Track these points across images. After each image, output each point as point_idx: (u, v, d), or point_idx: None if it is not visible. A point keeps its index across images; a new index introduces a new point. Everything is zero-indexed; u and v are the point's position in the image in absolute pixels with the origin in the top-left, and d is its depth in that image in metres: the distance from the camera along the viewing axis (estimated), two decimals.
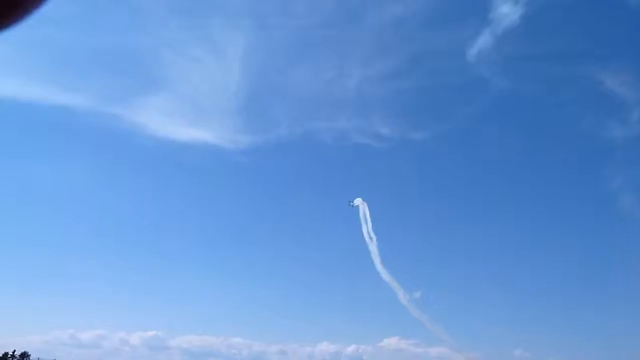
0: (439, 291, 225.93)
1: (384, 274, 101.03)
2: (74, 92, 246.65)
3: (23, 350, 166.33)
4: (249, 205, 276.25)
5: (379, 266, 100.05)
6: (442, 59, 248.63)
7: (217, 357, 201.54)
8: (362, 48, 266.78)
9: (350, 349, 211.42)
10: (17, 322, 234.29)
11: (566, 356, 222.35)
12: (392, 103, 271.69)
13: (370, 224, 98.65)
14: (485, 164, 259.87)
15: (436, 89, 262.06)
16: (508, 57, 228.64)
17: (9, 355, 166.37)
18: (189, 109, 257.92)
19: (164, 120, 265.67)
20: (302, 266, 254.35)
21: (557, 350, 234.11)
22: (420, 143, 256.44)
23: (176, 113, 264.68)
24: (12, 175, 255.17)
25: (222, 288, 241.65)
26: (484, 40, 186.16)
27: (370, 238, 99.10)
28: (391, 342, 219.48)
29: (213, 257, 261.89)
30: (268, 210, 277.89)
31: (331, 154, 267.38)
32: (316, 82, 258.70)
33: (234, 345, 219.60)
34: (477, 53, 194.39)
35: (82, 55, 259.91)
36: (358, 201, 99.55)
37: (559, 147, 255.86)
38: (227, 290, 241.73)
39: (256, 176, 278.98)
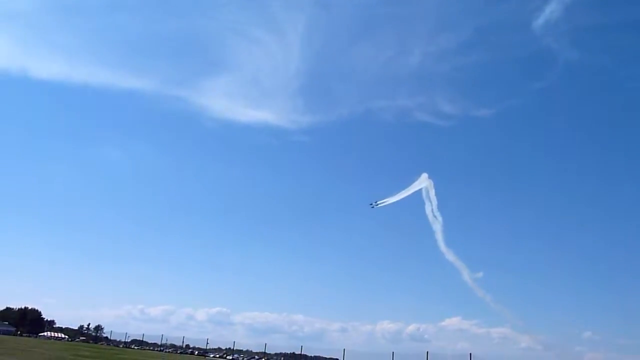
0: (502, 273, 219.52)
1: (448, 254, 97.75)
2: (142, 77, 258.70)
3: (97, 324, 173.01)
4: (311, 184, 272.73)
5: (442, 246, 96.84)
6: (507, 31, 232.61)
7: (279, 333, 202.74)
8: (424, 24, 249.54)
9: (411, 327, 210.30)
10: (91, 297, 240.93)
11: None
12: (455, 79, 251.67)
13: (435, 203, 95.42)
14: (554, 141, 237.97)
15: (501, 64, 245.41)
16: (577, 28, 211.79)
17: (84, 328, 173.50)
18: (250, 90, 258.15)
19: (226, 102, 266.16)
20: (364, 245, 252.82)
21: (629, 334, 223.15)
22: (484, 120, 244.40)
23: (238, 94, 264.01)
24: (86, 159, 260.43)
25: (285, 266, 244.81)
26: (551, 10, 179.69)
27: (435, 217, 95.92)
28: (452, 322, 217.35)
29: (276, 236, 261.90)
30: (330, 189, 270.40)
31: (393, 133, 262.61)
32: (377, 60, 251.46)
33: (296, 322, 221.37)
34: (544, 24, 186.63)
35: (148, 41, 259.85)
36: (423, 178, 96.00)
37: (633, 121, 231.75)
38: (290, 268, 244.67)
39: (317, 155, 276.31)
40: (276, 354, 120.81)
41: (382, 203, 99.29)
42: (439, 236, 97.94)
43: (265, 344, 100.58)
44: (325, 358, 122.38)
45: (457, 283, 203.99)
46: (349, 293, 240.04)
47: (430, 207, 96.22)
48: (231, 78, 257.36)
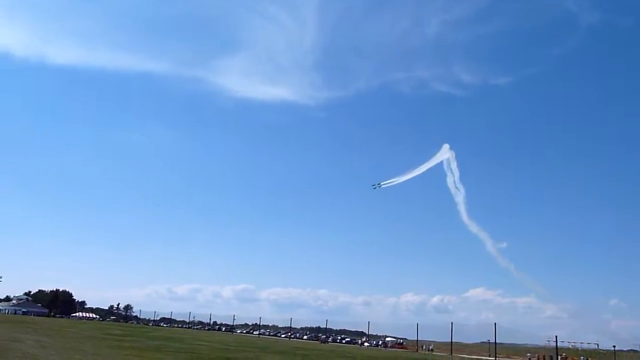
0: (526, 242, 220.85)
1: (471, 225, 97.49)
2: (158, 59, 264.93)
3: (127, 303, 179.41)
4: (331, 159, 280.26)
5: (465, 217, 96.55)
6: None
7: (304, 308, 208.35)
8: None
9: (435, 299, 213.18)
10: (120, 278, 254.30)
11: None
12: (473, 48, 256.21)
13: (457, 174, 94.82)
14: (576, 108, 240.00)
15: (520, 31, 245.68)
16: None
17: (114, 308, 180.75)
18: (266, 67, 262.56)
19: (243, 80, 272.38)
20: (386, 219, 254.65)
21: None
22: (504, 89, 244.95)
23: (254, 72, 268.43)
24: (106, 142, 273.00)
25: (308, 242, 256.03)
26: None
27: (457, 188, 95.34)
28: (477, 292, 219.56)
29: (298, 212, 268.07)
30: (350, 164, 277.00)
31: (411, 105, 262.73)
32: (393, 32, 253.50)
33: (320, 296, 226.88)
34: None
35: (163, 23, 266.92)
36: (444, 149, 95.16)
37: None
38: (313, 244, 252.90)
39: (335, 131, 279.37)
40: (302, 328, 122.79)
41: (387, 183, 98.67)
42: (462, 207, 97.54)
43: (291, 319, 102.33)
44: (351, 331, 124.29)
45: (481, 254, 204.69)
46: (372, 267, 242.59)
47: (452, 179, 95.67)
48: (247, 56, 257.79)
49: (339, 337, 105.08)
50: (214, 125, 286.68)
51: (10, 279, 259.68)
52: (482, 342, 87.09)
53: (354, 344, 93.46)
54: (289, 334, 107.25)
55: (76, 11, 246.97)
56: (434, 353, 74.28)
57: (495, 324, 66.27)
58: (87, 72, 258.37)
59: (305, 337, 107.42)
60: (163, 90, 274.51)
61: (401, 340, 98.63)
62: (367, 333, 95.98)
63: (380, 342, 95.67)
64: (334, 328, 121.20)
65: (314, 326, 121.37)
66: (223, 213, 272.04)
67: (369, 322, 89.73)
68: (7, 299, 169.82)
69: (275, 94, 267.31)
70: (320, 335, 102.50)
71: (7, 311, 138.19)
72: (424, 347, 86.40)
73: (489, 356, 68.48)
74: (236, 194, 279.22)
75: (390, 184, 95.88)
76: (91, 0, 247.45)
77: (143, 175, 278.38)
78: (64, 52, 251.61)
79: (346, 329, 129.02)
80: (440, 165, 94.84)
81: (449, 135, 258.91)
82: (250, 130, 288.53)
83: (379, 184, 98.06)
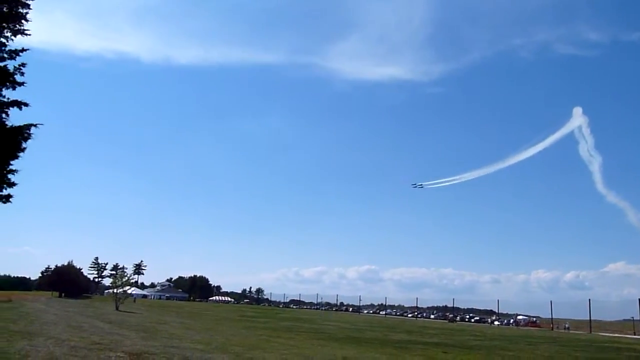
0: None
1: (609, 195, 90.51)
2: (270, 51, 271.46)
3: (258, 287, 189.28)
4: (451, 135, 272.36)
5: (601, 187, 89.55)
6: None
7: (429, 287, 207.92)
8: None
9: (569, 275, 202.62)
10: (251, 263, 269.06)
11: None
12: (599, 3, 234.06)
13: (591, 141, 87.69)
14: None
15: None
16: None
17: (247, 291, 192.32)
18: (378, 47, 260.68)
19: (355, 62, 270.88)
20: (513, 192, 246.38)
21: None
22: (637, 45, 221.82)
23: (366, 54, 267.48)
24: (229, 132, 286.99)
25: (430, 221, 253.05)
26: None
27: (591, 156, 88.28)
28: (616, 267, 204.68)
29: (417, 192, 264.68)
30: (472, 138, 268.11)
31: (533, 72, 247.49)
32: None
33: (445, 275, 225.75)
34: None
35: (272, 14, 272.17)
36: (576, 114, 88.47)
37: None
38: (435, 223, 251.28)
39: (454, 105, 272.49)
40: (428, 308, 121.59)
41: (427, 185, 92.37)
42: (597, 177, 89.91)
43: (417, 298, 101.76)
44: (479, 310, 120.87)
45: (620, 225, 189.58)
46: (499, 243, 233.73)
47: (586, 146, 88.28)
48: (357, 38, 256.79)
49: (467, 316, 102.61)
50: (329, 110, 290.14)
51: (154, 267, 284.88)
52: (624, 320, 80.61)
53: (483, 322, 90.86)
54: (416, 313, 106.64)
55: (192, 13, 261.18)
56: (570, 331, 69.99)
57: (639, 299, 60.94)
58: (207, 69, 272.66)
59: (432, 316, 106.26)
60: (278, 79, 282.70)
61: (534, 319, 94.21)
62: (496, 312, 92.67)
63: (512, 320, 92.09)
64: (461, 307, 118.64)
65: (441, 305, 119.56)
66: (344, 196, 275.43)
67: (498, 301, 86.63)
68: (152, 285, 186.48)
69: (389, 73, 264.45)
70: (447, 314, 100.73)
71: (152, 296, 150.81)
72: (559, 326, 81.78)
73: (634, 334, 63.16)
74: (356, 177, 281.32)
75: (518, 160, 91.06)
76: (205, 0, 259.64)
77: (264, 162, 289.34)
78: (185, 53, 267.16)
79: (475, 307, 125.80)
80: (570, 134, 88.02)
81: (578, 102, 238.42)
82: (366, 112, 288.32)
83: (420, 184, 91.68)
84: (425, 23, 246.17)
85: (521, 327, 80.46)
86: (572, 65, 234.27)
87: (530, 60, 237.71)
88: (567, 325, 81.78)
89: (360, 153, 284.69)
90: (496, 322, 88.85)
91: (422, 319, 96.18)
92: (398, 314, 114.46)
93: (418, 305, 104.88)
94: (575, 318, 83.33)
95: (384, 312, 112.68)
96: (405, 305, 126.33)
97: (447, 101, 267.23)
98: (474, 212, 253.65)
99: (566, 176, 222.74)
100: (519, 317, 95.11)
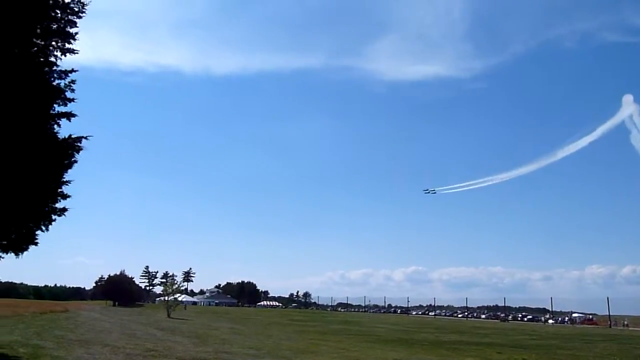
0: None
1: None
2: (308, 55, 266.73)
3: (305, 291, 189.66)
4: (497, 130, 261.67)
5: None
6: None
7: (478, 287, 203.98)
8: None
9: (626, 270, 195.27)
10: (298, 268, 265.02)
11: None
12: None
13: None
14: None
15: None
16: None
17: (294, 296, 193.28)
18: (415, 45, 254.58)
19: (392, 62, 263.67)
20: (563, 185, 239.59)
21: None
22: None
23: (404, 52, 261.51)
24: (270, 138, 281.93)
25: (477, 219, 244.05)
26: None
27: None
28: None
29: (466, 192, 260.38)
30: (519, 133, 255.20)
31: (578, 61, 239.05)
32: None
33: (495, 274, 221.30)
34: None
35: (308, 17, 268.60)
36: (626, 102, 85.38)
37: None
38: (483, 220, 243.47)
39: (497, 100, 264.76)
40: (478, 307, 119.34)
41: (440, 190, 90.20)
42: None
43: (467, 298, 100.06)
44: (531, 308, 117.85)
45: None
46: (549, 239, 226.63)
47: (638, 135, 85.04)
48: (394, 37, 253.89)
49: (519, 315, 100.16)
50: (369, 111, 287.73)
51: (202, 274, 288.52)
52: None
53: (536, 321, 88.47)
54: (466, 313, 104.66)
55: (230, 22, 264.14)
56: (629, 328, 67.31)
57: None
58: (247, 77, 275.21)
59: (483, 316, 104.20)
60: (317, 83, 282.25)
61: (590, 316, 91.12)
62: (550, 310, 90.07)
63: (567, 318, 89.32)
64: (513, 306, 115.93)
65: (492, 305, 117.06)
66: (387, 197, 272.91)
67: (551, 298, 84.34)
68: (202, 292, 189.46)
69: (428, 71, 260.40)
70: (499, 313, 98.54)
71: (202, 303, 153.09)
72: (617, 323, 78.79)
73: None
74: (399, 177, 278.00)
75: (568, 153, 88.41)
76: (242, 9, 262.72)
77: (306, 167, 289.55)
78: (224, 62, 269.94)
79: (526, 306, 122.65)
80: (621, 124, 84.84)
81: (628, 90, 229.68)
82: (404, 111, 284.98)
83: (433, 190, 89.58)
84: (463, 17, 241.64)
85: (577, 325, 77.99)
86: (619, 52, 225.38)
87: (574, 50, 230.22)
88: (625, 322, 78.72)
89: (401, 153, 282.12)
90: (550, 321, 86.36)
91: (472, 319, 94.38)
92: (448, 314, 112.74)
93: (468, 305, 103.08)
94: (635, 315, 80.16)
95: (433, 313, 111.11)
96: (455, 306, 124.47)
97: (490, 96, 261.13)
98: (521, 208, 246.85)
99: (619, 166, 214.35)
100: (574, 315, 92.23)
